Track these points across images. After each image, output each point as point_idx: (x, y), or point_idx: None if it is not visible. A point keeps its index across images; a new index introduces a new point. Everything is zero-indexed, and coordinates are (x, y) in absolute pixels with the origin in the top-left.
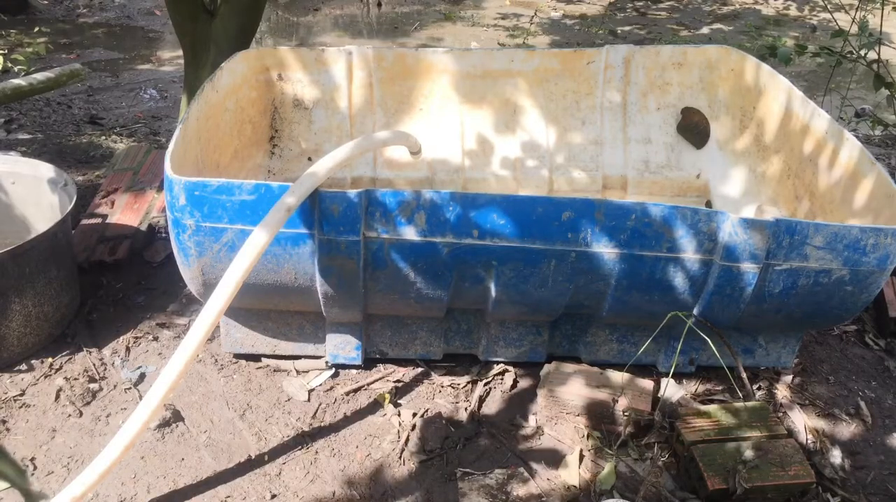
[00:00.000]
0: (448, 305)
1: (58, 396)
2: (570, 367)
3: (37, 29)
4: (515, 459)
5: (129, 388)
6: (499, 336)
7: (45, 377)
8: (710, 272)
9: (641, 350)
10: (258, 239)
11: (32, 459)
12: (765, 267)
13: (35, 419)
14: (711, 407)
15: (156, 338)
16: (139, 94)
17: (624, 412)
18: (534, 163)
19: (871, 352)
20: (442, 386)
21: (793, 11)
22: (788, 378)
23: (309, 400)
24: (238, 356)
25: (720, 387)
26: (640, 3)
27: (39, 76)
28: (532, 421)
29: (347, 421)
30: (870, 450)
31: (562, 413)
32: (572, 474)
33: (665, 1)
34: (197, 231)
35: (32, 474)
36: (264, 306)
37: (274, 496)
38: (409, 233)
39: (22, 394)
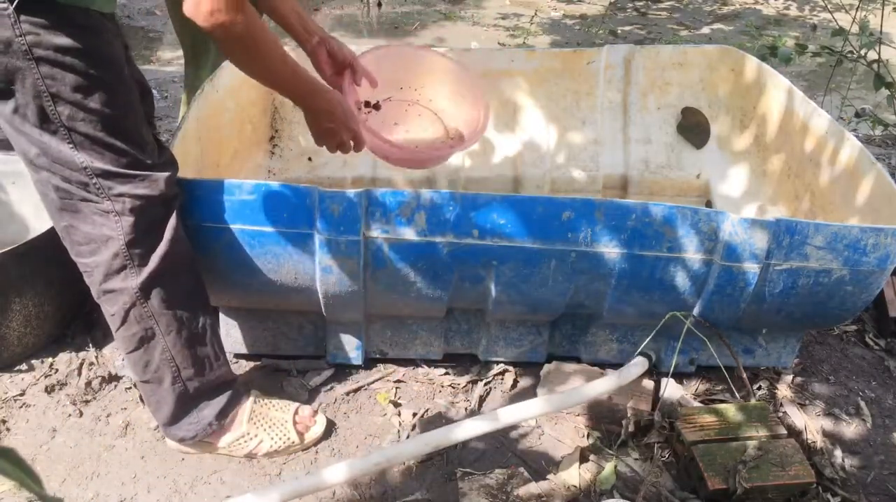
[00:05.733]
0: (448, 305)
1: (58, 396)
2: (570, 367)
3: None
4: (515, 459)
5: (130, 388)
6: (499, 336)
7: (45, 377)
8: (711, 272)
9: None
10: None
11: (33, 459)
12: (765, 267)
13: (35, 419)
14: (711, 407)
15: None
16: None
17: (624, 412)
18: (534, 163)
19: (871, 352)
20: (442, 387)
21: (793, 11)
22: (788, 378)
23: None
24: (238, 356)
25: (720, 387)
26: (641, 3)
27: None
28: (532, 421)
29: (347, 421)
30: (870, 450)
31: (562, 413)
32: (572, 474)
33: (665, 1)
34: (197, 231)
35: None
36: (264, 306)
37: None
38: (409, 233)
39: (22, 394)
